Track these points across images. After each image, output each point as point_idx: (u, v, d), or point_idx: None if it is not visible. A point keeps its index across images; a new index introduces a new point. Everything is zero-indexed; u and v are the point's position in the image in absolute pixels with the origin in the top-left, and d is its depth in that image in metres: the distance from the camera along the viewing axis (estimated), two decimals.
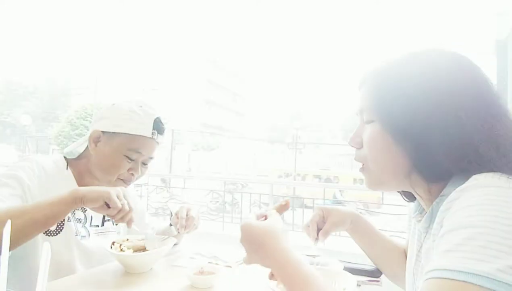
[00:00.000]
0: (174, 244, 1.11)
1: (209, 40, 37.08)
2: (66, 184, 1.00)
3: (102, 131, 1.02)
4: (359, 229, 0.88)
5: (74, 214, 1.01)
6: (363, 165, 0.63)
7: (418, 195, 0.60)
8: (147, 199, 5.55)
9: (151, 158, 1.08)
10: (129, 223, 0.90)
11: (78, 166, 1.06)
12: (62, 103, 29.16)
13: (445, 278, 0.39)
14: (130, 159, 1.02)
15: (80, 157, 1.09)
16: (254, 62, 45.93)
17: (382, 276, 0.93)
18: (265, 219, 0.63)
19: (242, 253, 0.82)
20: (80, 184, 1.04)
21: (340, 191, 9.43)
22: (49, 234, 0.95)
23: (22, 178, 0.90)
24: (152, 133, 1.03)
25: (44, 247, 0.49)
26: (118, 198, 0.85)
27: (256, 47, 46.52)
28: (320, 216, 0.88)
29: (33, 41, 39.00)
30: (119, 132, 1.00)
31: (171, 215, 1.21)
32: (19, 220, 0.75)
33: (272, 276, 0.70)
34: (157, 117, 1.06)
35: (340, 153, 34.00)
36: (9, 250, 0.71)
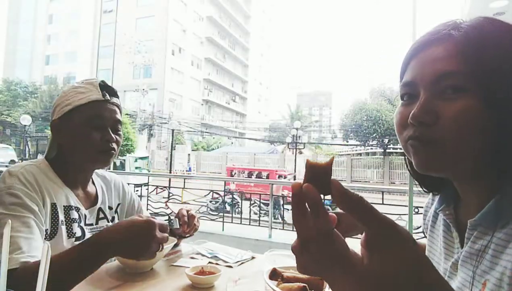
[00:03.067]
0: (175, 244, 1.11)
1: (209, 40, 37.05)
2: (56, 188, 0.98)
3: (58, 119, 1.00)
4: None
5: (69, 214, 0.98)
6: (425, 141, 0.49)
7: (471, 186, 0.51)
8: (147, 199, 5.55)
9: (118, 122, 1.06)
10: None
11: (59, 162, 1.03)
12: None
13: None
14: (96, 127, 1.00)
15: (57, 153, 1.04)
16: (254, 62, 45.87)
17: None
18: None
19: (244, 253, 0.83)
20: (66, 181, 1.02)
21: None
22: (46, 238, 0.92)
23: (26, 203, 0.87)
24: (103, 95, 1.01)
25: (44, 247, 0.48)
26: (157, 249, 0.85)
27: (255, 47, 46.49)
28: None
29: (34, 41, 38.97)
30: (72, 109, 0.99)
31: (169, 218, 1.20)
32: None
33: (272, 277, 0.70)
34: (101, 81, 1.04)
35: (340, 153, 33.96)
36: None
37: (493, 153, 0.46)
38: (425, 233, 0.68)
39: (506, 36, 0.47)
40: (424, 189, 0.60)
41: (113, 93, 1.05)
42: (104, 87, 1.03)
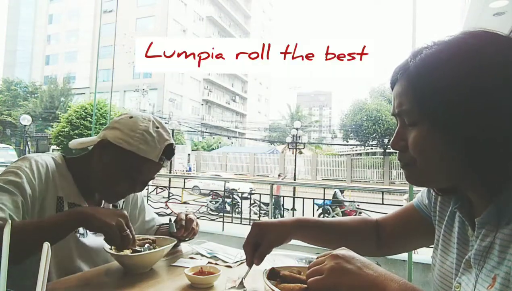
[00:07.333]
0: (174, 245, 1.11)
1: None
2: (66, 185, 1.01)
3: (110, 143, 0.98)
4: (307, 234, 0.82)
5: None
6: (403, 163, 0.59)
7: (470, 190, 0.57)
8: (147, 199, 5.56)
9: (152, 179, 1.09)
10: (130, 248, 0.94)
11: (78, 167, 1.05)
12: (62, 103, 29.14)
13: None
14: (130, 177, 1.01)
15: (81, 157, 1.07)
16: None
17: None
18: None
19: (243, 253, 0.83)
20: (79, 185, 1.04)
21: (340, 191, 9.42)
22: None
23: (23, 185, 0.89)
24: (160, 159, 1.01)
25: (44, 247, 0.49)
26: (120, 229, 0.84)
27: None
28: (257, 234, 0.79)
29: (34, 41, 38.95)
30: (127, 150, 0.97)
31: (169, 222, 1.20)
32: (22, 242, 0.74)
33: (271, 276, 0.70)
34: (170, 144, 1.03)
35: (340, 153, 33.95)
36: (11, 265, 0.72)
37: (467, 168, 0.51)
38: (432, 216, 0.72)
39: (457, 62, 0.49)
40: (437, 193, 0.66)
41: (170, 157, 1.06)
42: (167, 151, 1.02)
